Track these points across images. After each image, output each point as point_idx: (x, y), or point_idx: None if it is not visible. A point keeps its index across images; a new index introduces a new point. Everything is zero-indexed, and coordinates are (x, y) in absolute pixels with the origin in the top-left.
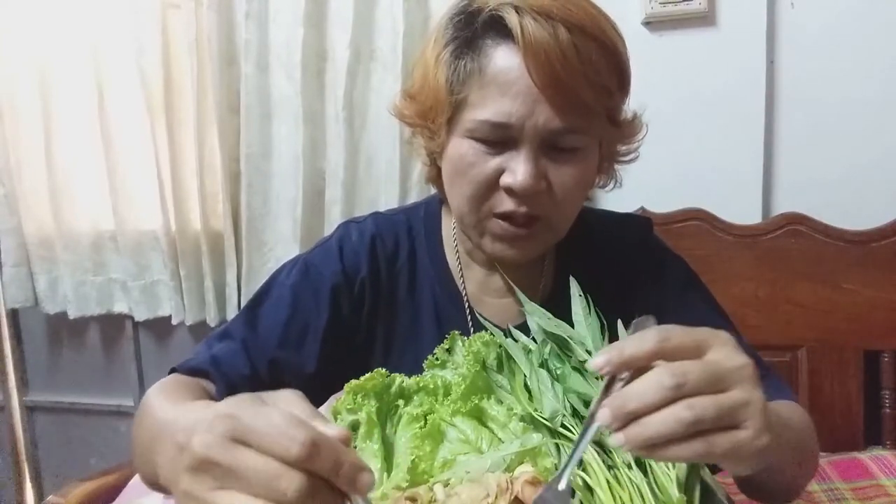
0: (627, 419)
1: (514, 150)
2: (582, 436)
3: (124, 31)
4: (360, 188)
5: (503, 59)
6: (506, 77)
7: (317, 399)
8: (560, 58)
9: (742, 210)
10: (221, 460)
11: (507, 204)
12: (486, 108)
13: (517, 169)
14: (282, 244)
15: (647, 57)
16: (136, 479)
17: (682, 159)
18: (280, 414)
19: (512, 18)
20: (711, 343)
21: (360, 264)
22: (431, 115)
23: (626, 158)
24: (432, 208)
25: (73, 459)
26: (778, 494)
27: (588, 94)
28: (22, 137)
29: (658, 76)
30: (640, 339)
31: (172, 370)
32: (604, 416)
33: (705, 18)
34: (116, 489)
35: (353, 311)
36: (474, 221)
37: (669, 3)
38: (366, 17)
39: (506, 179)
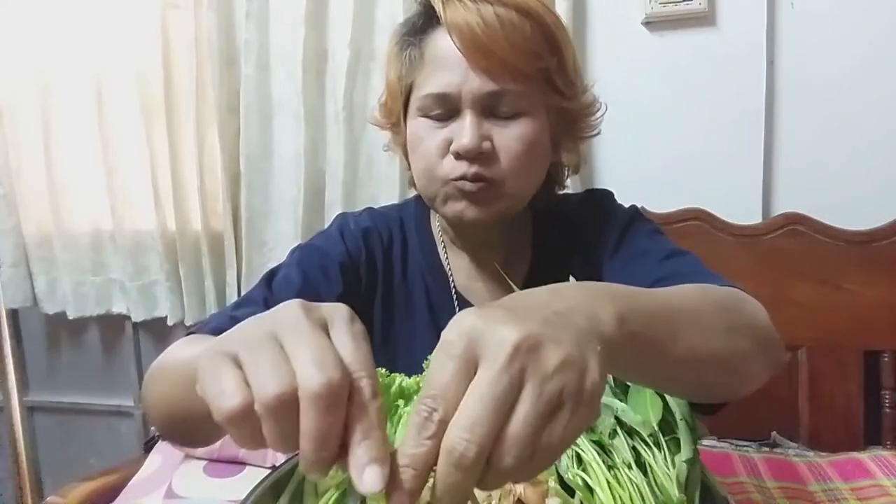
0: None
1: (459, 118)
2: None
3: (124, 31)
4: (360, 188)
5: (438, 40)
6: (441, 54)
7: None
8: (482, 27)
9: (742, 210)
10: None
11: (458, 168)
12: (428, 84)
13: (461, 133)
14: (282, 244)
15: (647, 57)
16: (137, 479)
17: (682, 159)
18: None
19: (437, 2)
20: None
21: (360, 249)
22: (394, 109)
23: (586, 134)
24: (422, 202)
25: (73, 459)
26: (720, 381)
27: (514, 56)
28: (21, 137)
29: (658, 76)
30: None
31: (189, 333)
32: None
33: (705, 18)
34: (116, 489)
35: (356, 292)
36: (434, 192)
37: (669, 3)
38: (366, 17)
39: (454, 146)
